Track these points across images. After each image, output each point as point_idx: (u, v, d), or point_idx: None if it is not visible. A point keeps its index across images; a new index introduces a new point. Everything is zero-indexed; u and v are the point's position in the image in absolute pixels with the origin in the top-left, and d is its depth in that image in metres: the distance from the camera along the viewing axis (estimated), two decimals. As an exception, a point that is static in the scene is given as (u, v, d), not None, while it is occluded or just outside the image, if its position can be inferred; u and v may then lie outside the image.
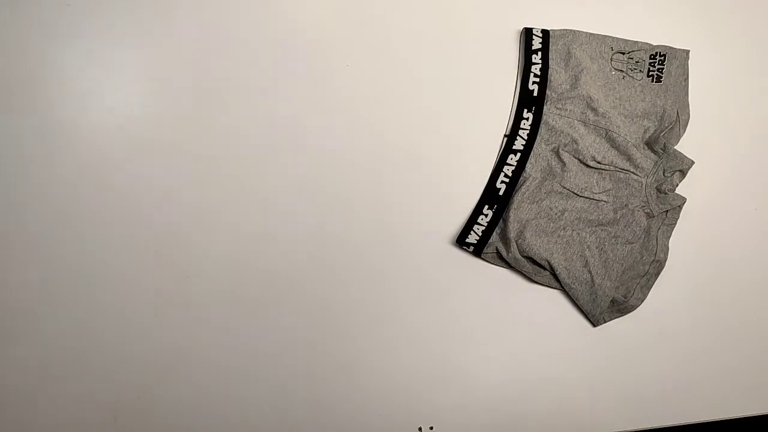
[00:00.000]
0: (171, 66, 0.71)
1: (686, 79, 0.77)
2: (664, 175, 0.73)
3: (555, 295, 0.72)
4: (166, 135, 0.69)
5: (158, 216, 0.68)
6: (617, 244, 0.72)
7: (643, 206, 0.73)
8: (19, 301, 0.65)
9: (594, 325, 0.71)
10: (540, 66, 0.75)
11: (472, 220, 0.71)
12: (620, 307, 0.71)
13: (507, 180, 0.72)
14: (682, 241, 0.74)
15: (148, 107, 0.70)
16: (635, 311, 0.72)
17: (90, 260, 0.67)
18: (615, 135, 0.73)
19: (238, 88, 0.71)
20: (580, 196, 0.72)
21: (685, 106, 0.77)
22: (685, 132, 0.76)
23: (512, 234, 0.71)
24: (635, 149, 0.73)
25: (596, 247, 0.72)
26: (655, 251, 0.72)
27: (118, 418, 0.65)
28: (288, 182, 0.70)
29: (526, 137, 0.73)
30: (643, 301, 0.72)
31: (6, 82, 0.69)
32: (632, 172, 0.73)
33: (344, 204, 0.71)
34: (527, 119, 0.74)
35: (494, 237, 0.71)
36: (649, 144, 0.74)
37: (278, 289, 0.68)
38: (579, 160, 0.73)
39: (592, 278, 0.71)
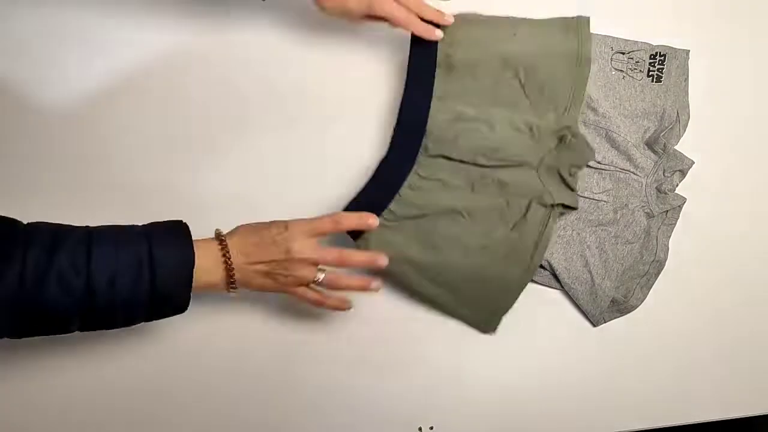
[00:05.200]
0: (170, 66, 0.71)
1: (686, 79, 0.77)
2: (664, 175, 0.73)
3: (555, 295, 0.72)
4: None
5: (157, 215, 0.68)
6: (617, 244, 0.72)
7: (643, 206, 0.73)
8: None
9: (594, 325, 0.71)
10: (540, 66, 0.75)
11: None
12: (620, 307, 0.71)
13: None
14: (682, 241, 0.74)
15: (147, 107, 0.71)
16: (635, 311, 0.72)
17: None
18: (615, 135, 0.73)
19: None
20: (580, 196, 0.72)
21: (685, 106, 0.77)
22: (685, 132, 0.76)
23: (512, 234, 0.71)
24: (635, 149, 0.73)
25: (596, 247, 0.72)
26: (655, 251, 0.72)
27: (119, 417, 0.65)
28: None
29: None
30: (643, 301, 0.72)
31: (6, 81, 0.69)
32: (632, 172, 0.73)
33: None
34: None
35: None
36: (649, 144, 0.74)
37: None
38: (579, 160, 0.73)
39: (592, 278, 0.71)
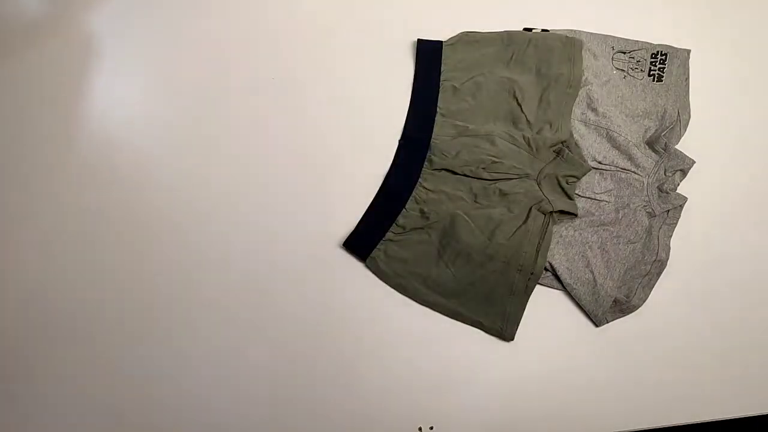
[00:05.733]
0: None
1: (687, 79, 0.77)
2: (665, 174, 0.73)
3: (557, 295, 0.72)
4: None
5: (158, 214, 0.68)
6: (619, 243, 0.72)
7: (645, 206, 0.73)
8: (17, 301, 0.65)
9: (596, 325, 0.71)
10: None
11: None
12: (622, 307, 0.71)
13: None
14: (683, 240, 0.74)
15: (144, 108, 0.70)
16: (637, 311, 0.72)
17: (90, 262, 0.66)
18: (616, 135, 0.73)
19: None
20: (582, 196, 0.72)
21: (686, 105, 0.77)
22: (686, 132, 0.76)
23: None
24: (636, 149, 0.73)
25: (598, 247, 0.72)
26: (656, 251, 0.72)
27: (118, 418, 0.64)
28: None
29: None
30: (645, 301, 0.72)
31: (7, 80, 0.68)
32: (633, 172, 0.73)
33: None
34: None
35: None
36: (650, 143, 0.74)
37: (277, 291, 0.68)
38: (580, 159, 0.73)
39: (594, 278, 0.70)
